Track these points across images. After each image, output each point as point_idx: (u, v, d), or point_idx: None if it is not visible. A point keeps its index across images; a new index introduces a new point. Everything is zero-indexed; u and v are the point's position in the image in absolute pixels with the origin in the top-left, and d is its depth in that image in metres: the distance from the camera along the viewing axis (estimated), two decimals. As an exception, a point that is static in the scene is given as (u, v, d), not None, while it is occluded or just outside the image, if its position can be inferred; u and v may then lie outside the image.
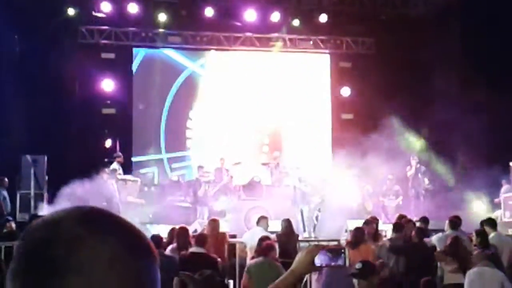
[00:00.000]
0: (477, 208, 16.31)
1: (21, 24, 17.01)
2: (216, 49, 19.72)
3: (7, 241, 11.47)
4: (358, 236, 10.18)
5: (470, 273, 7.88)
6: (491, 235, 10.23)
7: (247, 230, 13.68)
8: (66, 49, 17.47)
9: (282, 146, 19.24)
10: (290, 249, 11.16)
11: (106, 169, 15.84)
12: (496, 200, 16.18)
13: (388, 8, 19.37)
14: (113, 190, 15.81)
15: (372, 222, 11.61)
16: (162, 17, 18.74)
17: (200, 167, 17.20)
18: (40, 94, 16.83)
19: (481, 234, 9.72)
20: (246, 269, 8.95)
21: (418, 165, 17.29)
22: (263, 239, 9.54)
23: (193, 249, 9.13)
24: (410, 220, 11.82)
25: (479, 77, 16.34)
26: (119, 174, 16.18)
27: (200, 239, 9.37)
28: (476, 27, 17.11)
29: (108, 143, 18.04)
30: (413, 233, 10.55)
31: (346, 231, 13.80)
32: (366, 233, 10.51)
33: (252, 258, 9.51)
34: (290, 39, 19.90)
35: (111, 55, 18.82)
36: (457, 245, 9.57)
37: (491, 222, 11.09)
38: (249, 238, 11.29)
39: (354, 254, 9.95)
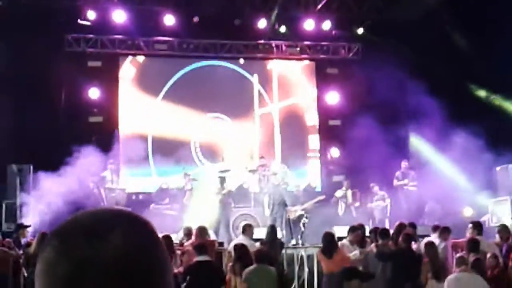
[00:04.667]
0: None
1: (7, 33, 16.97)
2: (203, 57, 19.71)
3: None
4: (329, 246, 10.25)
5: (448, 279, 7.90)
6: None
7: (235, 237, 13.69)
8: (52, 57, 17.39)
9: (270, 152, 19.18)
10: (272, 256, 11.15)
11: (95, 177, 15.80)
12: None
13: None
14: (100, 199, 15.78)
15: (358, 228, 11.60)
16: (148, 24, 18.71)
17: (186, 174, 17.15)
18: (26, 103, 16.76)
19: (472, 239, 9.77)
20: (243, 277, 8.98)
21: (407, 170, 17.34)
22: (241, 246, 9.67)
23: (198, 258, 9.15)
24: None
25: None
26: (109, 181, 16.14)
27: (202, 247, 9.42)
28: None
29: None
30: (400, 238, 10.54)
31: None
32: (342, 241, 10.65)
33: (232, 266, 9.54)
34: (277, 46, 19.92)
35: (98, 63, 18.76)
36: (431, 251, 9.62)
37: (478, 226, 11.17)
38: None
39: (327, 264, 10.01)
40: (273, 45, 19.85)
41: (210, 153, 19.06)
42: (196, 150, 19.18)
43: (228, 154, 18.68)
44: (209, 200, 15.66)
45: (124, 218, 1.17)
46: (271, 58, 20.16)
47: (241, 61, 19.77)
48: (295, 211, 16.08)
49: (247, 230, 12.00)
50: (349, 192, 17.54)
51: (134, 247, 1.13)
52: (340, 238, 11.51)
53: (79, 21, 18.06)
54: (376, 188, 17.23)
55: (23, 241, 12.65)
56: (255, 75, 20.00)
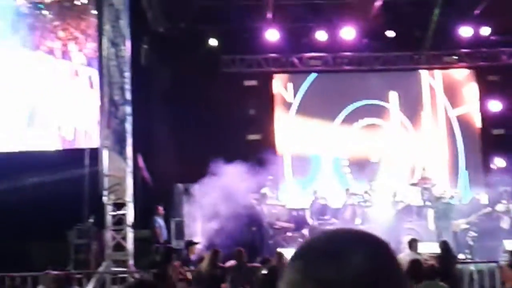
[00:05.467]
0: None
1: (169, 55, 17.76)
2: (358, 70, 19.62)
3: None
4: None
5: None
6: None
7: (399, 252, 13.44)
8: (209, 78, 17.99)
9: (432, 164, 18.69)
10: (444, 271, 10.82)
11: (256, 194, 16.07)
12: None
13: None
14: (262, 215, 16.01)
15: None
16: (299, 41, 18.91)
17: (347, 190, 17.15)
18: (187, 122, 17.42)
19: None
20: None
21: None
22: (414, 262, 9.39)
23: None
24: None
25: None
26: (270, 198, 16.37)
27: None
28: None
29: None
30: None
31: (504, 252, 13.25)
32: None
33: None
34: (434, 55, 19.45)
35: (253, 82, 19.19)
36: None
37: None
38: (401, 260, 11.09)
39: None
40: (431, 54, 19.40)
41: (368, 167, 18.88)
42: (346, 165, 19.14)
43: (387, 166, 18.43)
44: (373, 214, 15.53)
45: (364, 239, 1.19)
46: (429, 68, 19.70)
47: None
48: (459, 224, 15.55)
49: (413, 244, 11.85)
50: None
51: (375, 269, 1.13)
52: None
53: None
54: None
55: (192, 257, 13.05)
56: (412, 86, 19.64)
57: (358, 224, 16.07)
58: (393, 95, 19.44)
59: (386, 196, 16.42)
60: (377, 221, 15.64)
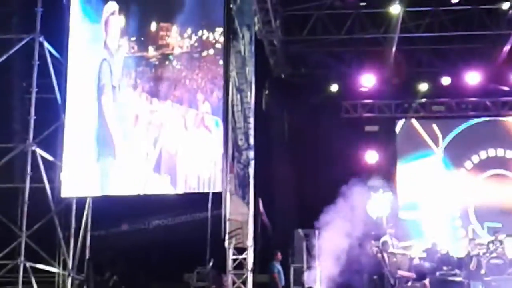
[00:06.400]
0: None
1: (289, 100, 17.93)
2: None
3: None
4: None
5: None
6: None
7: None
8: (330, 123, 17.98)
9: None
10: None
11: (375, 242, 15.77)
12: None
13: None
14: (382, 264, 15.65)
15: None
16: (424, 86, 18.64)
17: (471, 239, 16.59)
18: (307, 167, 17.40)
19: None
20: None
21: None
22: None
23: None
24: None
25: None
26: (391, 246, 16.03)
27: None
28: None
29: (376, 215, 18.01)
30: None
31: None
32: None
33: None
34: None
35: (375, 128, 19.03)
36: None
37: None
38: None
39: None
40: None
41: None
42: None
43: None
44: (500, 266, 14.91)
45: None
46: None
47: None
48: None
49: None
50: None
51: None
52: None
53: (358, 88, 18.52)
54: None
55: (311, 304, 12.90)
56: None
57: (483, 275, 15.50)
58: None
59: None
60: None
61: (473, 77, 18.15)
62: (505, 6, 14.91)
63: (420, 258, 17.71)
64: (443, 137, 19.14)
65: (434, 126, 19.20)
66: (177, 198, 13.86)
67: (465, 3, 15.43)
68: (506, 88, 18.51)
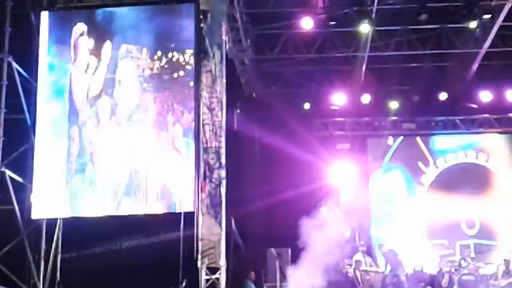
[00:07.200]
0: None
1: (260, 119, 17.97)
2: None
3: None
4: None
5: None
6: None
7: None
8: (302, 141, 18.03)
9: None
10: None
11: (348, 260, 15.78)
12: None
13: None
14: (355, 282, 15.66)
15: None
16: (394, 104, 18.79)
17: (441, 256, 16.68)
18: (280, 187, 17.37)
19: None
20: None
21: None
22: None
23: None
24: None
25: None
26: (363, 263, 16.05)
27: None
28: None
29: (348, 233, 17.98)
30: None
31: None
32: None
33: None
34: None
35: (346, 146, 19.12)
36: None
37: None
38: None
39: None
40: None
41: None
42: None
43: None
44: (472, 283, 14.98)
45: None
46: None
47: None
48: None
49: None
50: None
51: None
52: None
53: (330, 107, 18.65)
54: None
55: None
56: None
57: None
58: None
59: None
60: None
61: (442, 95, 18.33)
62: (472, 25, 15.08)
63: (393, 275, 17.73)
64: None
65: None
66: (148, 218, 13.77)
67: (433, 22, 15.58)
68: (475, 106, 18.71)
